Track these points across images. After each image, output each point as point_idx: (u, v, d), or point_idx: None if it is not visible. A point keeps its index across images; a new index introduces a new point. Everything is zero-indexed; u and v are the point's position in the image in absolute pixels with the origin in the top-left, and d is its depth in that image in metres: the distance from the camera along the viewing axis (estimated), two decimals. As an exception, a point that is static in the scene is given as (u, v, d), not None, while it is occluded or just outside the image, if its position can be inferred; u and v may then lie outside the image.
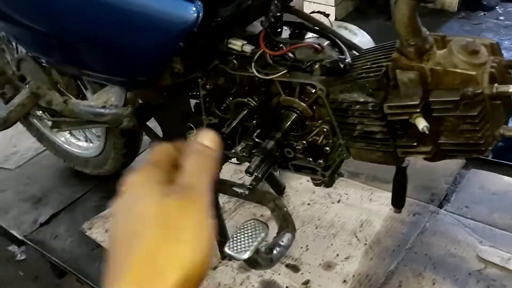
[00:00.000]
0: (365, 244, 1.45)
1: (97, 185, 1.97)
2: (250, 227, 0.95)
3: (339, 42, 1.09)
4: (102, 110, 1.34)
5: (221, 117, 1.24)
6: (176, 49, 1.01)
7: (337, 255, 1.44)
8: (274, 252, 1.01)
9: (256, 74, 1.04)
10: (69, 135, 2.00)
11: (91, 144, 1.94)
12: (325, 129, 1.07)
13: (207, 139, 0.48)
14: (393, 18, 0.90)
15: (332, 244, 1.47)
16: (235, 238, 0.95)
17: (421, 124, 0.90)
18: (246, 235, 0.94)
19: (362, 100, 0.95)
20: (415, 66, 0.90)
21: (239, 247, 0.93)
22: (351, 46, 1.13)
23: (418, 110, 0.89)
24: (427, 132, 0.89)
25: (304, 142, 1.11)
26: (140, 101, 1.29)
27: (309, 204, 1.64)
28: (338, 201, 1.62)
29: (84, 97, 1.67)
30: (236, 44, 1.02)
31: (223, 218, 1.47)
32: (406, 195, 1.28)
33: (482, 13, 3.36)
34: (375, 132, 0.98)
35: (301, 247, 1.48)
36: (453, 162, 1.61)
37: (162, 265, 0.39)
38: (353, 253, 1.43)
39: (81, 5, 0.99)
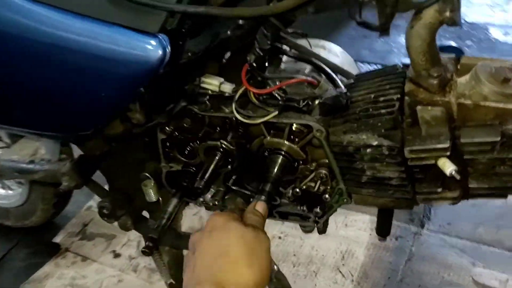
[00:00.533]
0: (352, 280, 1.31)
1: (21, 238, 1.66)
2: None
3: (327, 69, 0.91)
4: (31, 166, 1.07)
5: (185, 162, 1.02)
6: (135, 94, 0.78)
7: (324, 296, 1.28)
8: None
9: (241, 118, 0.84)
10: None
11: (10, 192, 1.62)
12: (322, 174, 0.90)
13: (260, 207, 0.73)
14: (408, 44, 0.75)
15: (316, 285, 1.31)
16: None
17: (449, 168, 0.75)
18: None
19: (375, 143, 0.79)
20: (440, 101, 0.75)
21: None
22: (337, 70, 0.96)
23: (448, 153, 0.75)
24: (457, 177, 0.75)
25: (297, 190, 0.93)
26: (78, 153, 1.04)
27: (280, 237, 1.47)
28: (312, 231, 1.46)
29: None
30: (212, 83, 0.81)
31: None
32: (392, 222, 1.16)
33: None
34: (391, 178, 0.82)
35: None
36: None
37: (242, 273, 0.60)
38: (341, 293, 1.29)
39: (14, 43, 0.73)
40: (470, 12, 2.85)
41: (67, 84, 0.76)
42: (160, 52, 0.73)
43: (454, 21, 0.67)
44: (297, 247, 1.43)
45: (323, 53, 1.02)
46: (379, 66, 1.37)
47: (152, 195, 1.06)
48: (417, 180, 0.82)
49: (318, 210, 0.94)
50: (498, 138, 0.72)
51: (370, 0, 0.71)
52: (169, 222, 1.04)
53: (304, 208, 0.96)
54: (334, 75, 0.91)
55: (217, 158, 0.96)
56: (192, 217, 1.58)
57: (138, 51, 0.73)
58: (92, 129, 0.86)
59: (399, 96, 0.79)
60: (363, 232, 1.43)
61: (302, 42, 1.00)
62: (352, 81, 0.91)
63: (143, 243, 1.50)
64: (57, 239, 1.62)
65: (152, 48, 0.73)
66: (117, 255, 1.53)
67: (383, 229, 1.18)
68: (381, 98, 0.81)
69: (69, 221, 1.68)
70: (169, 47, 0.73)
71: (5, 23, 0.74)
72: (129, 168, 1.07)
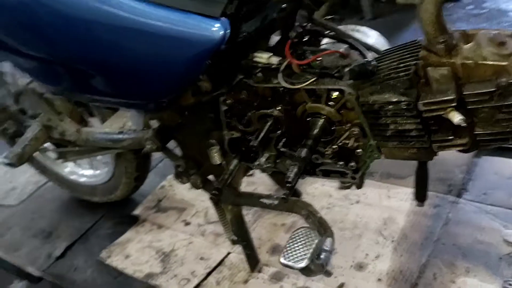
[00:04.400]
0: (393, 241, 1.47)
1: (106, 212, 1.94)
2: (302, 235, 0.96)
3: (359, 45, 1.10)
4: (120, 136, 1.33)
5: (243, 130, 1.24)
6: (204, 67, 1.01)
7: (367, 254, 1.45)
8: (322, 257, 1.01)
9: (285, 84, 1.04)
10: (73, 165, 1.96)
11: (97, 171, 1.91)
12: (355, 132, 1.09)
13: None
14: (419, 18, 0.92)
15: (359, 245, 1.48)
16: (288, 248, 0.95)
17: (457, 117, 0.92)
18: (299, 243, 0.95)
19: (395, 100, 0.97)
20: (446, 62, 0.92)
21: (294, 256, 0.93)
22: (369, 48, 1.15)
23: (454, 104, 0.91)
24: (463, 124, 0.91)
25: (335, 146, 1.12)
26: (159, 123, 1.28)
27: (328, 208, 1.65)
28: (357, 202, 1.64)
29: (86, 126, 1.64)
30: (262, 57, 1.03)
31: (249, 230, 1.46)
32: (428, 188, 1.31)
33: (451, 4, 3.38)
34: (410, 130, 0.99)
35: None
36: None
37: None
38: (382, 251, 1.44)
39: (105, 30, 0.98)
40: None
41: (151, 58, 1.00)
42: (222, 32, 0.95)
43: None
44: (343, 215, 1.60)
45: (357, 35, 1.21)
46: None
47: (216, 158, 1.29)
48: (432, 131, 0.99)
49: (353, 164, 1.13)
50: (494, 89, 0.88)
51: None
52: (230, 178, 1.26)
53: (342, 163, 1.14)
54: (364, 51, 1.10)
55: (268, 123, 1.17)
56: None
57: (206, 32, 0.96)
58: (171, 97, 1.10)
59: (415, 62, 0.97)
60: (404, 202, 1.58)
61: (340, 27, 1.20)
62: (380, 54, 1.09)
63: (210, 213, 1.77)
64: (136, 211, 1.88)
65: (216, 29, 0.96)
66: (187, 223, 1.77)
67: (420, 194, 1.34)
68: (401, 65, 0.99)
69: (146, 198, 1.94)
70: (229, 28, 0.95)
71: (109, 17, 1.00)
72: (198, 136, 1.30)
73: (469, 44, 0.93)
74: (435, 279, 1.33)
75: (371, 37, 1.21)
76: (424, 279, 1.33)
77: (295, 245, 0.94)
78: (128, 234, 1.79)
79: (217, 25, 0.95)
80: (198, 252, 1.63)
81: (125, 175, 1.71)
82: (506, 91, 0.88)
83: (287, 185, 1.06)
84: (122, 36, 0.99)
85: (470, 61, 0.90)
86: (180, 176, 1.37)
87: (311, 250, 0.93)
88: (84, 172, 1.95)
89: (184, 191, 1.92)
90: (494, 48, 0.89)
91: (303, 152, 1.08)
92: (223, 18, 0.95)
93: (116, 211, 1.93)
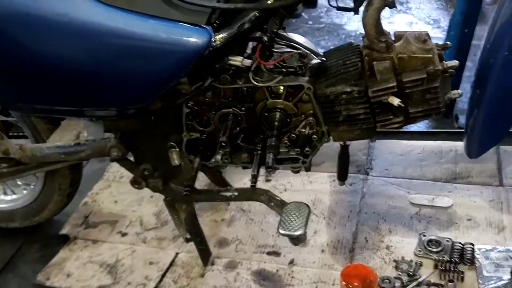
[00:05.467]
0: (324, 217, 1.70)
1: (27, 237, 1.84)
2: (293, 208, 1.12)
3: (306, 49, 1.31)
4: (78, 147, 1.34)
5: (201, 130, 1.35)
6: (187, 71, 1.11)
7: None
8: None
9: (255, 83, 1.20)
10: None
11: (15, 196, 1.80)
12: (310, 121, 1.28)
13: None
14: (364, 22, 1.16)
15: (298, 225, 1.68)
16: (283, 220, 1.11)
17: (396, 100, 1.17)
18: (292, 215, 1.11)
19: (349, 90, 1.19)
20: (387, 57, 1.17)
21: (290, 226, 1.09)
22: (310, 50, 1.36)
23: (395, 90, 1.17)
24: (402, 105, 1.17)
25: (293, 135, 1.30)
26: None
27: (260, 198, 1.82)
28: (285, 190, 1.84)
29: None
30: (237, 60, 1.17)
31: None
32: (348, 169, 1.57)
33: (294, 20, 3.77)
34: (359, 114, 1.22)
35: (272, 235, 1.66)
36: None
37: None
38: (318, 227, 1.67)
39: (97, 40, 1.03)
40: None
41: (144, 65, 1.08)
42: (207, 38, 1.08)
43: (393, 4, 1.10)
44: (276, 203, 1.79)
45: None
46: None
47: (176, 160, 1.38)
48: (376, 113, 1.23)
49: (308, 149, 1.32)
50: (425, 75, 1.15)
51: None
52: (196, 174, 1.36)
53: (298, 150, 1.33)
54: (312, 52, 1.31)
55: (229, 121, 1.31)
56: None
57: (193, 38, 1.07)
58: (148, 102, 1.17)
59: (359, 59, 1.21)
60: (325, 185, 1.83)
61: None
62: (323, 55, 1.31)
63: (145, 221, 1.81)
64: (64, 231, 1.82)
65: (202, 36, 1.08)
66: (124, 234, 1.78)
67: (342, 175, 1.59)
68: (348, 62, 1.22)
69: (70, 216, 1.89)
70: (213, 35, 1.08)
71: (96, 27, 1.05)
72: (156, 140, 1.37)
73: (400, 42, 1.19)
74: (367, 241, 1.59)
75: (305, 42, 1.43)
76: (358, 244, 1.59)
77: (290, 217, 1.10)
78: (61, 254, 1.73)
79: (203, 32, 1.07)
80: (145, 258, 1.67)
81: (57, 192, 1.67)
82: (433, 76, 1.16)
83: (268, 169, 1.21)
84: (114, 45, 1.05)
85: (405, 55, 1.17)
86: (137, 182, 1.42)
87: (304, 219, 1.10)
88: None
89: (110, 205, 1.92)
90: (420, 44, 1.17)
91: (273, 141, 1.24)
92: (207, 26, 1.07)
93: (38, 234, 1.84)
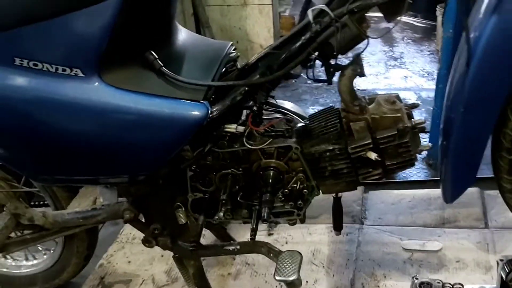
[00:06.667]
0: (323, 267, 1.82)
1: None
2: (287, 256, 1.26)
3: (293, 114, 1.49)
4: (94, 212, 1.50)
5: (204, 190, 1.51)
6: (189, 140, 1.29)
7: (307, 281, 1.77)
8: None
9: (249, 147, 1.37)
10: (4, 259, 1.97)
11: (35, 261, 1.95)
12: (300, 177, 1.44)
13: None
14: (339, 90, 1.35)
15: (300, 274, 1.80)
16: (278, 267, 1.24)
17: (373, 155, 1.33)
18: (286, 263, 1.24)
19: (331, 148, 1.36)
20: (362, 118, 1.34)
21: (285, 272, 1.22)
22: (296, 114, 1.54)
23: (371, 146, 1.33)
24: (379, 159, 1.33)
25: (286, 190, 1.46)
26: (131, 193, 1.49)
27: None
28: (286, 243, 1.97)
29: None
30: (231, 127, 1.35)
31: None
32: (343, 220, 1.70)
33: (294, 81, 4.01)
34: (342, 169, 1.38)
35: (276, 286, 1.78)
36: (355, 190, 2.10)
37: None
38: (317, 276, 1.78)
39: (103, 114, 1.22)
40: (360, 81, 3.69)
41: (152, 138, 1.26)
42: (205, 112, 1.26)
43: (363, 74, 1.29)
44: (278, 255, 1.91)
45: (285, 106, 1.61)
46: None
47: (182, 219, 1.53)
48: (358, 167, 1.39)
49: (300, 202, 1.47)
50: (396, 132, 1.32)
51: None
52: (201, 231, 1.51)
53: (292, 203, 1.48)
54: (296, 116, 1.49)
55: (229, 181, 1.47)
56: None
57: (193, 112, 1.26)
58: (156, 170, 1.34)
59: (338, 120, 1.38)
60: (323, 235, 1.96)
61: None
62: (308, 118, 1.49)
63: (157, 279, 1.93)
64: (81, 292, 1.96)
65: (201, 110, 1.26)
66: (138, 292, 1.91)
67: (337, 225, 1.73)
68: (329, 124, 1.39)
69: (87, 278, 2.02)
70: (210, 108, 1.27)
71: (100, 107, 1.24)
72: (164, 202, 1.53)
73: (372, 105, 1.37)
74: (364, 287, 1.70)
75: (293, 107, 1.62)
76: (356, 289, 1.70)
77: (284, 264, 1.24)
78: (79, 314, 1.86)
79: (201, 107, 1.26)
80: (159, 313, 1.79)
81: (75, 255, 1.81)
82: (403, 132, 1.32)
83: (264, 222, 1.36)
84: (126, 121, 1.24)
85: (377, 116, 1.34)
86: (148, 241, 1.57)
87: (297, 266, 1.23)
88: (19, 264, 1.96)
89: (124, 265, 2.05)
90: (389, 105, 1.35)
91: (268, 196, 1.39)
92: (204, 101, 1.26)
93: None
